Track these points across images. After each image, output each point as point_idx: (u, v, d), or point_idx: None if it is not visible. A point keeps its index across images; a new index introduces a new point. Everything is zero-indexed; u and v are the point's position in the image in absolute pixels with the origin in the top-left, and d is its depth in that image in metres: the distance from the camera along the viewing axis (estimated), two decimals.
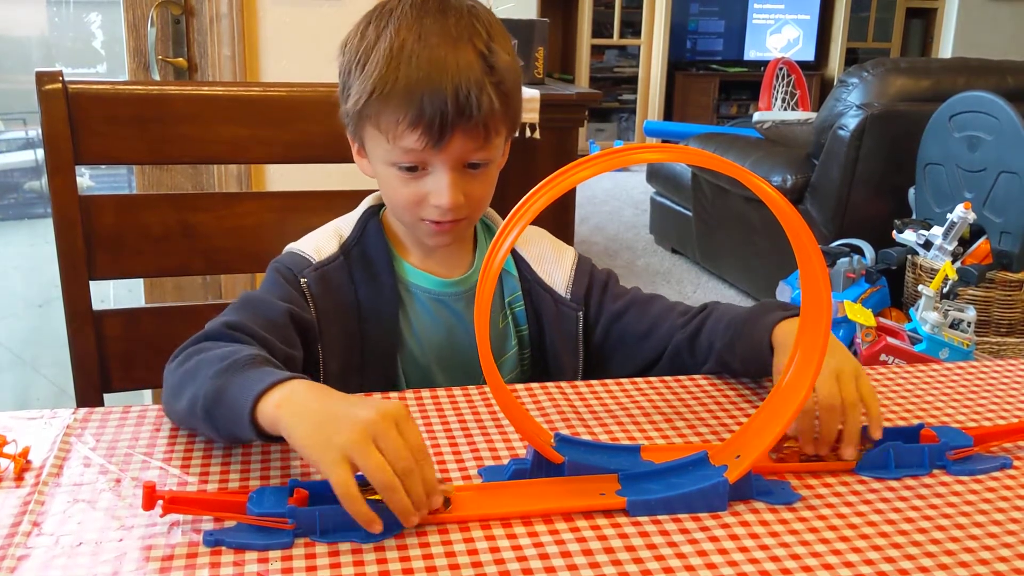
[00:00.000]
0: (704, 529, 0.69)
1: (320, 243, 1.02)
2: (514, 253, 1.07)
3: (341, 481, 0.65)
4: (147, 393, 1.95)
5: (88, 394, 1.19)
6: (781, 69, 5.39)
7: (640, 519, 0.70)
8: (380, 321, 1.01)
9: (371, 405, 0.69)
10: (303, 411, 0.70)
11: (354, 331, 1.00)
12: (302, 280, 0.98)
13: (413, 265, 1.03)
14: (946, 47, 7.47)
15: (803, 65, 6.02)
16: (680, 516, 0.71)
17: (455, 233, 0.99)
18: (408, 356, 1.02)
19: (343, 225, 1.05)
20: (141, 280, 2.13)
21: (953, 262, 2.78)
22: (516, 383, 0.98)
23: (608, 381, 0.97)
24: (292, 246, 1.04)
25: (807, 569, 0.65)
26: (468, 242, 1.07)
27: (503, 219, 1.10)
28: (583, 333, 1.06)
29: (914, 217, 3.08)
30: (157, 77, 2.05)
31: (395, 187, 0.96)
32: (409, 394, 0.92)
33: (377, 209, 1.06)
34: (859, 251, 3.08)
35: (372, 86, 0.90)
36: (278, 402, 0.71)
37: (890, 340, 2.53)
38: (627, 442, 0.84)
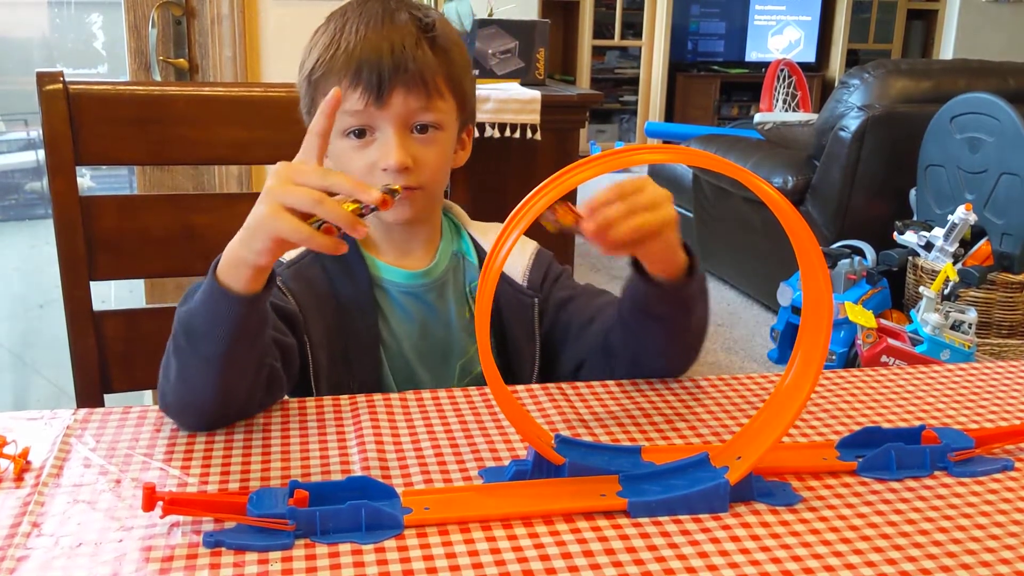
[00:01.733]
0: (705, 530, 0.69)
1: None
2: (475, 243, 1.09)
3: (298, 197, 0.73)
4: (147, 394, 1.95)
5: (88, 395, 1.19)
6: (782, 70, 5.39)
7: (641, 520, 0.70)
8: (360, 313, 1.02)
9: (267, 186, 0.76)
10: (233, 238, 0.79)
11: (335, 324, 1.01)
12: (277, 279, 0.99)
13: (382, 260, 1.04)
14: (947, 49, 7.47)
15: (804, 66, 6.02)
16: (681, 517, 0.71)
17: (412, 204, 0.99)
18: (388, 350, 1.03)
19: None
20: (142, 281, 2.13)
21: (954, 264, 2.78)
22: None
23: (609, 382, 0.97)
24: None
25: (809, 571, 0.64)
26: (435, 234, 1.08)
27: (467, 215, 1.11)
28: (538, 321, 1.06)
29: (915, 219, 3.08)
30: (158, 78, 2.05)
31: (348, 160, 0.98)
32: (409, 395, 0.92)
33: None
34: (860, 252, 3.08)
35: (317, 57, 0.97)
36: (222, 261, 0.78)
37: (891, 341, 2.53)
38: (628, 443, 0.83)
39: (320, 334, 0.99)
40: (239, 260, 0.78)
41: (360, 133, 0.97)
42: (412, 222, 1.03)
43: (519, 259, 1.08)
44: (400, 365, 1.04)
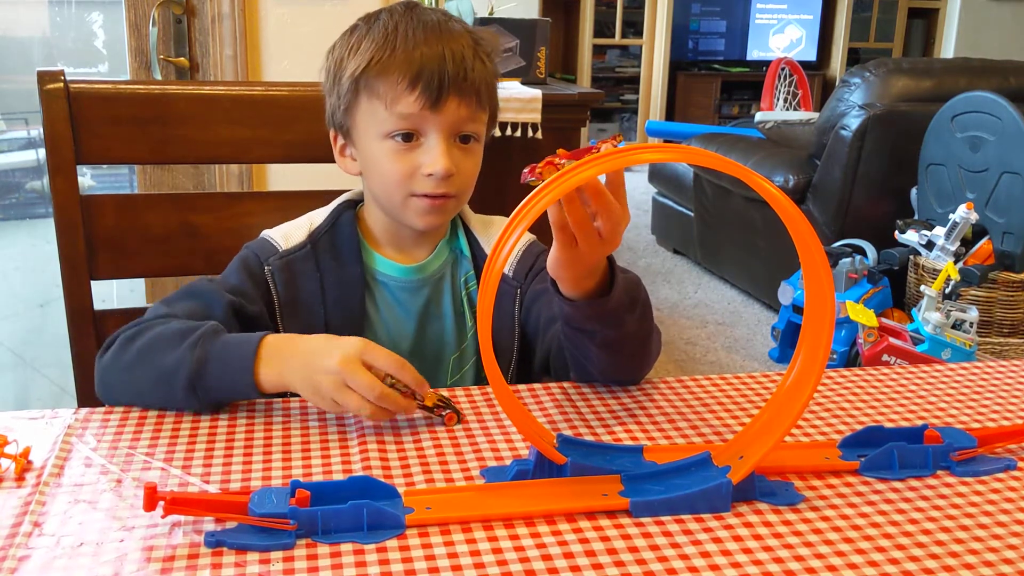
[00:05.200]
0: (707, 530, 0.69)
1: (290, 231, 1.05)
2: (468, 235, 1.09)
3: (346, 402, 0.82)
4: None
5: (89, 394, 1.18)
6: (783, 69, 5.39)
7: (643, 520, 0.70)
8: (344, 310, 1.02)
9: (334, 352, 0.82)
10: (295, 366, 0.84)
11: (317, 321, 1.01)
12: (266, 268, 1.00)
13: (380, 254, 1.05)
14: (948, 47, 7.47)
15: (805, 65, 6.02)
16: (683, 517, 0.71)
17: (445, 212, 1.01)
18: (383, 344, 1.03)
19: (316, 216, 1.07)
20: (142, 280, 2.13)
21: (955, 262, 2.78)
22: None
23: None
24: (266, 232, 1.06)
25: (811, 571, 0.64)
26: (440, 234, 1.08)
27: (469, 208, 1.12)
28: (518, 311, 1.06)
29: (916, 217, 3.07)
30: (159, 77, 2.05)
31: (388, 162, 0.98)
32: None
33: (353, 204, 1.08)
34: (861, 251, 3.08)
35: (370, 57, 0.96)
36: (273, 364, 0.84)
37: (892, 341, 2.53)
38: (630, 443, 0.83)
39: (302, 326, 0.99)
40: (283, 386, 0.85)
41: (407, 137, 0.97)
42: (440, 227, 1.05)
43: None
44: None
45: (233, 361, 0.84)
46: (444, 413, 0.85)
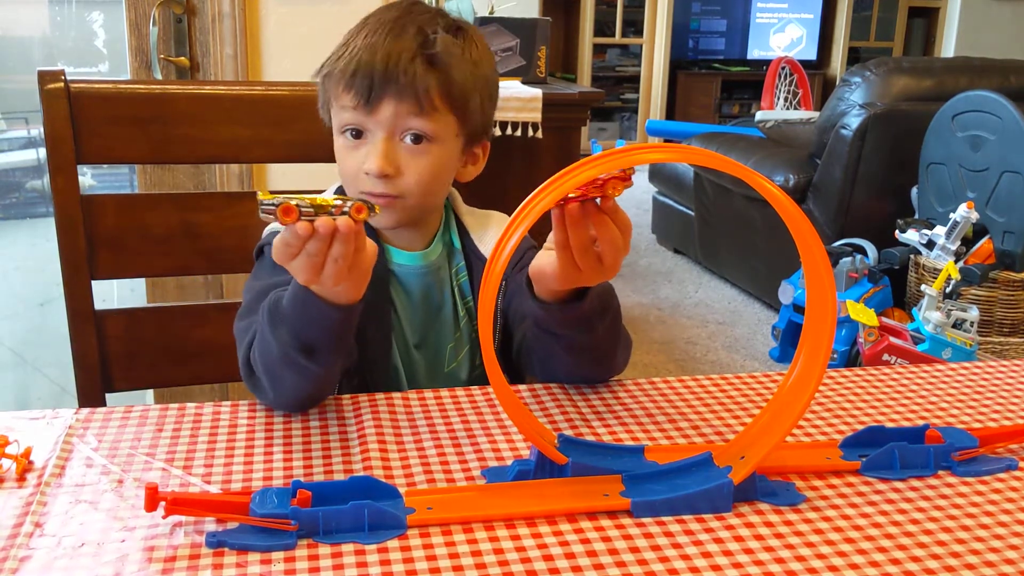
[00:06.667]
0: (708, 530, 0.69)
1: None
2: (461, 229, 1.09)
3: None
4: (149, 393, 1.95)
5: (90, 394, 1.19)
6: (784, 68, 5.39)
7: (644, 520, 0.70)
8: (374, 292, 1.01)
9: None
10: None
11: None
12: None
13: (387, 242, 1.05)
14: (948, 46, 7.46)
15: (805, 64, 6.02)
16: (684, 517, 0.71)
17: (393, 214, 1.00)
18: (393, 328, 1.04)
19: None
20: (143, 280, 2.13)
21: (956, 262, 2.78)
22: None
23: (611, 382, 0.97)
24: (274, 226, 1.05)
25: (812, 571, 0.64)
26: (431, 230, 1.08)
27: (460, 199, 1.12)
28: (500, 300, 1.06)
29: (917, 217, 3.07)
30: (159, 76, 2.05)
31: (342, 158, 1.01)
32: (412, 394, 0.92)
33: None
34: (862, 251, 3.08)
35: (330, 55, 1.01)
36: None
37: (893, 340, 2.53)
38: (631, 443, 0.83)
39: None
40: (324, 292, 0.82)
41: (357, 134, 0.99)
42: (398, 227, 1.04)
43: (495, 242, 1.08)
44: (401, 343, 1.05)
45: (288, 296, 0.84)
46: (349, 205, 0.74)
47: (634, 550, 0.66)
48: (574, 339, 0.90)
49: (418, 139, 0.98)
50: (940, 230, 2.86)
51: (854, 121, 3.07)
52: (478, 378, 1.09)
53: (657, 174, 4.51)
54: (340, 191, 1.08)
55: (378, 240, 1.05)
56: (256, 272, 1.02)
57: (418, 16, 1.00)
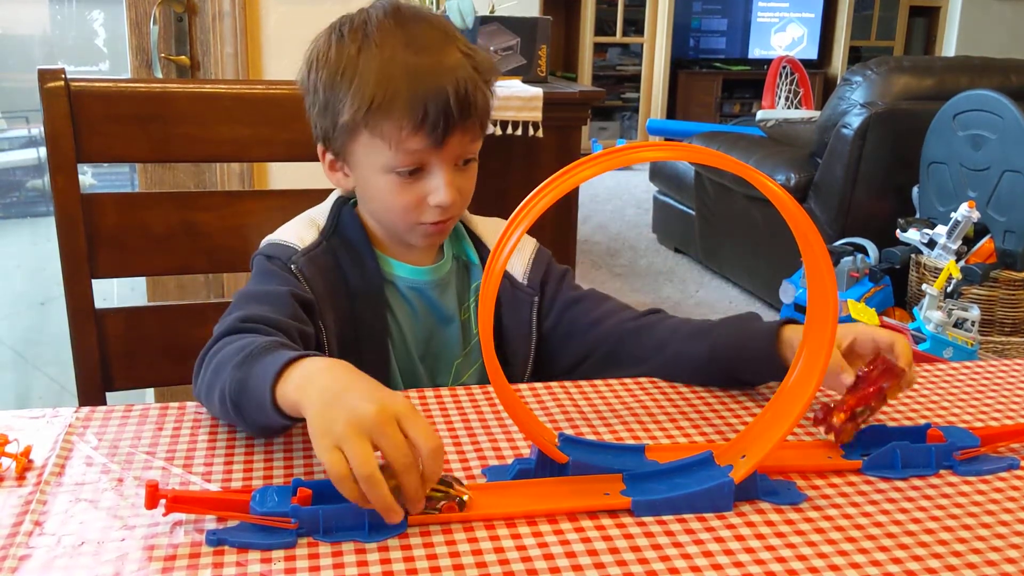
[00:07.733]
0: (709, 529, 0.69)
1: (300, 232, 1.03)
2: (476, 242, 1.09)
3: (329, 463, 0.65)
4: (149, 392, 1.95)
5: (90, 393, 1.19)
6: (785, 67, 5.38)
7: (645, 519, 0.70)
8: (370, 303, 1.02)
9: (375, 398, 0.67)
10: (316, 392, 0.70)
11: (347, 313, 1.01)
12: (292, 266, 0.99)
13: (389, 255, 1.04)
14: (949, 46, 7.46)
15: (806, 63, 6.01)
16: (685, 516, 0.70)
17: (446, 232, 1.02)
18: (393, 344, 1.04)
19: (316, 215, 1.06)
20: (143, 279, 2.13)
21: (957, 261, 2.77)
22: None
23: (612, 381, 0.97)
24: (271, 238, 1.04)
25: (813, 570, 0.64)
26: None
27: (471, 213, 1.12)
28: (536, 319, 1.06)
29: (918, 216, 3.07)
30: (159, 75, 2.05)
31: (392, 194, 0.97)
32: (412, 393, 0.92)
33: (346, 200, 1.06)
34: (863, 250, 3.07)
35: (371, 96, 0.91)
36: (297, 383, 0.72)
37: None
38: (631, 442, 0.83)
39: (332, 322, 0.99)
40: (299, 411, 0.72)
41: (412, 171, 0.95)
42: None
43: (518, 257, 1.08)
44: (403, 360, 1.04)
45: (264, 373, 0.74)
46: (441, 504, 0.69)
47: (635, 549, 0.66)
48: (755, 381, 0.96)
49: (467, 161, 0.98)
50: (941, 229, 2.86)
51: (855, 120, 3.07)
52: None
53: (658, 173, 4.50)
54: (338, 204, 1.05)
55: (378, 254, 1.04)
56: (255, 279, 1.01)
57: (428, 22, 0.96)
